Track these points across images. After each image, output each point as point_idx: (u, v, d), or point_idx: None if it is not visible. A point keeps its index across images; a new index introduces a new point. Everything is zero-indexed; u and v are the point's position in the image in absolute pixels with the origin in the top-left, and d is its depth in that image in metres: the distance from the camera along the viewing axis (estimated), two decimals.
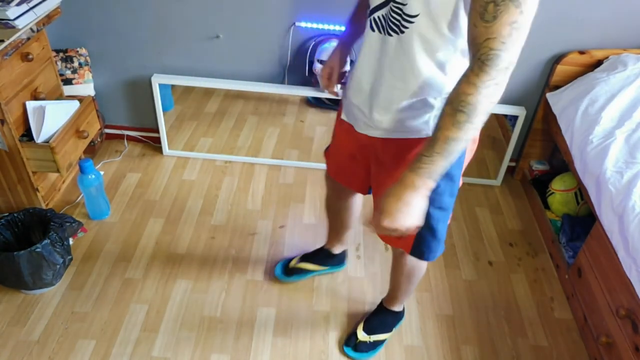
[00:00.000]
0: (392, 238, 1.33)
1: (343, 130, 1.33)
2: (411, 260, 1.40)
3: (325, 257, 1.84)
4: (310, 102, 2.60)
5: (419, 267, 1.45)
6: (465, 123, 0.89)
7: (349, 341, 1.65)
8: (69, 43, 2.15)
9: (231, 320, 1.71)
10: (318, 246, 1.98)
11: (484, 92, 0.87)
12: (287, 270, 1.82)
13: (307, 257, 1.85)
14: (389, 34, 1.03)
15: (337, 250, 1.84)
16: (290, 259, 1.86)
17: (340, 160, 1.44)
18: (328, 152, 1.52)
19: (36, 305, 1.72)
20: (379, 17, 1.04)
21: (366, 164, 1.33)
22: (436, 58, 1.02)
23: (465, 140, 0.90)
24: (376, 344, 1.64)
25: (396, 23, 1.01)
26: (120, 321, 1.69)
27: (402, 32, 1.01)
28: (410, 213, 0.96)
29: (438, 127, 0.92)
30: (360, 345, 1.63)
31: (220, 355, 1.61)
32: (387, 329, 1.67)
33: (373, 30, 1.06)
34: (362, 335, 1.64)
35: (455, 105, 0.89)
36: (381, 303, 1.70)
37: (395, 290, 1.60)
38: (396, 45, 1.04)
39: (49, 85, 1.96)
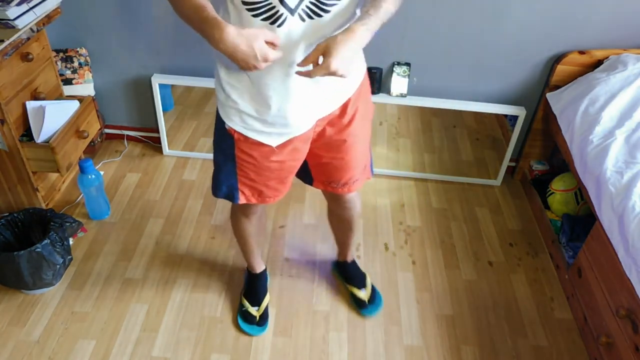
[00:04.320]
0: (362, 177, 1.46)
1: (271, 154, 1.29)
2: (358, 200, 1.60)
3: (266, 280, 1.81)
4: None
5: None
6: (398, 1, 1.11)
7: (362, 305, 1.75)
8: (69, 43, 2.15)
9: (231, 320, 1.71)
10: (318, 246, 1.99)
11: None
12: (259, 322, 1.69)
13: (258, 295, 1.75)
14: (319, 16, 1.06)
15: (263, 265, 1.81)
16: (244, 311, 1.70)
17: (275, 180, 1.38)
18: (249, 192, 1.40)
19: (36, 305, 1.72)
20: (307, 5, 1.04)
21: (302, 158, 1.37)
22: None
23: (392, 15, 1.10)
24: (374, 288, 1.81)
25: (323, 5, 1.05)
26: (120, 321, 1.69)
27: (328, 11, 1.07)
28: (352, 60, 1.05)
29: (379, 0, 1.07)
30: (371, 299, 1.76)
31: (220, 355, 1.61)
32: (364, 273, 1.84)
33: (303, 20, 1.05)
34: (364, 293, 1.77)
35: None
36: (346, 261, 1.83)
37: (351, 239, 1.74)
38: (328, 21, 1.08)
39: (49, 85, 1.96)
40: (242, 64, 1.03)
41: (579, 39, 2.00)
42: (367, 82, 1.34)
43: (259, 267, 1.78)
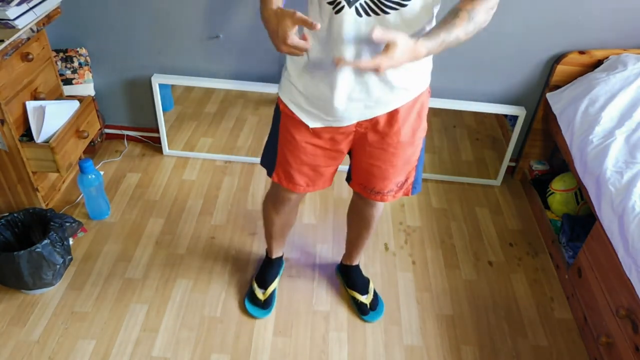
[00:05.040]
0: (399, 190, 1.44)
1: (310, 137, 1.31)
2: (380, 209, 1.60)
3: (278, 267, 1.84)
4: None
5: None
6: (470, 33, 1.07)
7: (363, 312, 1.75)
8: (69, 43, 2.15)
9: (231, 320, 1.71)
10: (318, 246, 1.99)
11: (487, 14, 1.09)
12: (263, 305, 1.74)
13: (266, 278, 1.79)
14: (377, 14, 1.06)
15: (280, 253, 1.85)
16: (251, 292, 1.77)
17: (308, 167, 1.39)
18: (287, 173, 1.42)
19: (36, 305, 1.72)
20: (366, 1, 1.05)
21: (342, 154, 1.38)
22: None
23: (457, 44, 1.08)
24: (377, 294, 1.81)
25: (381, 5, 1.05)
26: (120, 321, 1.69)
27: (387, 12, 1.06)
28: (397, 64, 1.02)
29: (453, 25, 1.05)
30: (372, 305, 1.76)
31: (220, 355, 1.61)
32: (367, 278, 1.84)
33: (360, 16, 1.07)
34: (365, 298, 1.77)
35: (472, 16, 1.06)
36: (351, 265, 1.82)
37: (365, 241, 1.73)
38: (394, 19, 1.07)
39: (49, 85, 1.96)
40: (272, 40, 1.08)
41: (579, 39, 2.00)
42: (426, 102, 1.32)
43: (275, 253, 1.81)
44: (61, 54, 2.13)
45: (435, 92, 2.19)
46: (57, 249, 1.70)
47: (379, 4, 1.04)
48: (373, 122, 1.26)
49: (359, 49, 1.09)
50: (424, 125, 1.35)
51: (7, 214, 1.80)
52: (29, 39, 1.74)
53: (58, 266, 1.71)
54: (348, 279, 1.82)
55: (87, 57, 2.18)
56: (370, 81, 1.16)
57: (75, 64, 2.15)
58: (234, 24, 2.07)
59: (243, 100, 2.65)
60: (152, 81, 2.20)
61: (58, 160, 1.82)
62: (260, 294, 1.75)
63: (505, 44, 2.04)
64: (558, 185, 2.08)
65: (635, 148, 1.62)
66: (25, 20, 1.70)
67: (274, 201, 1.56)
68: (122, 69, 2.24)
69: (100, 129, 2.28)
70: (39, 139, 1.81)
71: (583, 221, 1.94)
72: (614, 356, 1.52)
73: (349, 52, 1.10)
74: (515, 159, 2.39)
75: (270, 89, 2.19)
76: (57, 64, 2.10)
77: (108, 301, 1.75)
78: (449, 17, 1.06)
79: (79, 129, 1.95)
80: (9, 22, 1.66)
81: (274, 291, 1.78)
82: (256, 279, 1.80)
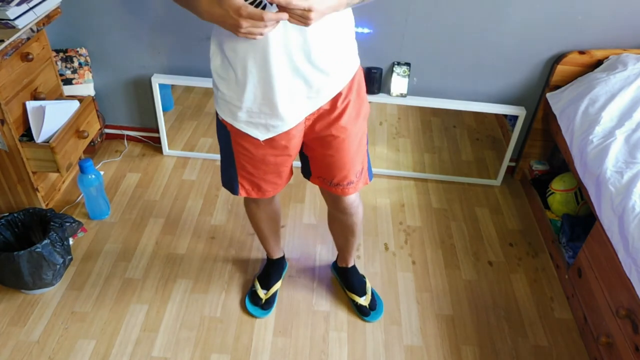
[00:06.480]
0: (358, 181, 1.43)
1: (263, 147, 1.30)
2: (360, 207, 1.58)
3: (281, 269, 1.85)
4: None
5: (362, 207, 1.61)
6: None
7: (363, 313, 1.74)
8: (69, 43, 2.15)
9: (231, 320, 1.72)
10: (318, 246, 1.99)
11: None
12: (264, 305, 1.74)
13: (269, 279, 1.80)
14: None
15: (281, 253, 1.85)
16: (253, 291, 1.77)
17: (272, 174, 1.40)
18: (254, 185, 1.43)
19: (36, 305, 1.72)
20: None
21: (294, 153, 1.37)
22: None
23: None
24: (374, 292, 1.81)
25: None
26: (120, 321, 1.69)
27: None
28: (319, 15, 0.99)
29: None
30: (372, 305, 1.76)
31: (220, 355, 1.61)
32: (364, 277, 1.83)
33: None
34: (364, 300, 1.76)
35: None
36: (347, 267, 1.81)
37: (352, 246, 1.71)
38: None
39: (49, 85, 1.96)
40: (229, 28, 1.00)
41: (579, 39, 2.01)
42: (362, 80, 1.33)
43: (275, 254, 1.81)
44: (61, 54, 2.13)
45: (435, 92, 2.20)
46: (57, 249, 1.70)
47: None
48: (319, 112, 1.26)
49: (285, 29, 1.05)
50: (365, 103, 1.34)
51: (7, 214, 1.81)
52: (29, 39, 1.74)
53: (58, 266, 1.71)
54: (345, 280, 1.82)
55: (87, 57, 2.18)
56: (306, 71, 1.14)
57: (75, 64, 2.16)
58: None
59: None
60: (152, 81, 2.20)
61: (58, 160, 1.82)
62: (262, 293, 1.75)
63: (505, 44, 2.04)
64: (558, 185, 2.09)
65: (635, 148, 1.62)
66: (25, 20, 1.70)
67: (253, 199, 1.55)
68: (122, 69, 2.24)
69: (100, 129, 2.28)
70: (39, 139, 1.81)
71: (583, 221, 1.94)
72: (614, 356, 1.52)
73: (275, 45, 1.07)
74: (515, 159, 2.39)
75: None
76: (57, 64, 2.10)
77: (108, 301, 1.75)
78: None
79: (79, 129, 1.95)
80: (9, 22, 1.66)
81: (275, 292, 1.78)
82: (259, 279, 1.80)
